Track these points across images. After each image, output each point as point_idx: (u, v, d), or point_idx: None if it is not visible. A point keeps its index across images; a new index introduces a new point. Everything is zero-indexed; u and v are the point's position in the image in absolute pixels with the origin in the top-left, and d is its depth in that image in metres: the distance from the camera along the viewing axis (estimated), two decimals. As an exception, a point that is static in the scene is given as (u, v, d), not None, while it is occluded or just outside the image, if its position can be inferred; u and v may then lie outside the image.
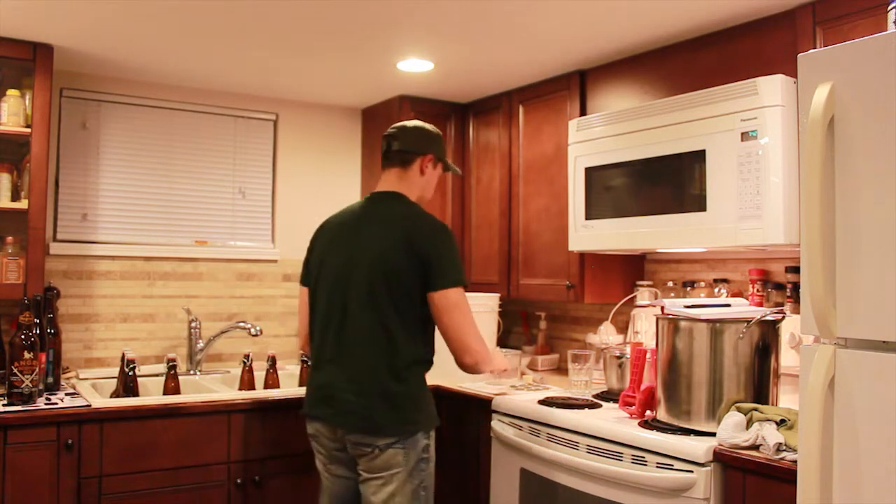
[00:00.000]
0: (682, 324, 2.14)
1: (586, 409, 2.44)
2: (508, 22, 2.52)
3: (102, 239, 3.25)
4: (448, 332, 2.20)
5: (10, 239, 2.76)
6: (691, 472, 1.96)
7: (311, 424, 2.31)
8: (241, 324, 3.26)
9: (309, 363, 2.57)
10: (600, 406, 2.50)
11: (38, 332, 2.55)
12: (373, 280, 2.20)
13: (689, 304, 2.20)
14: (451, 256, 2.22)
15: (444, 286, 2.17)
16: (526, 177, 3.25)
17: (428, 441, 2.22)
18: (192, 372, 3.22)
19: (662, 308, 2.22)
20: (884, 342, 1.48)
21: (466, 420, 2.89)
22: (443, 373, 2.72)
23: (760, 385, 2.09)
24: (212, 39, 2.75)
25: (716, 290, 2.75)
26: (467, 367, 2.23)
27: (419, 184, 2.38)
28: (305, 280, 2.44)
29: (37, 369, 2.46)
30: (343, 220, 2.38)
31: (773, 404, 2.10)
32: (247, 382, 3.02)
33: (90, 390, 2.74)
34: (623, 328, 3.06)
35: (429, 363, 2.28)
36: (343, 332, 2.23)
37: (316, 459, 2.36)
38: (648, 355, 2.33)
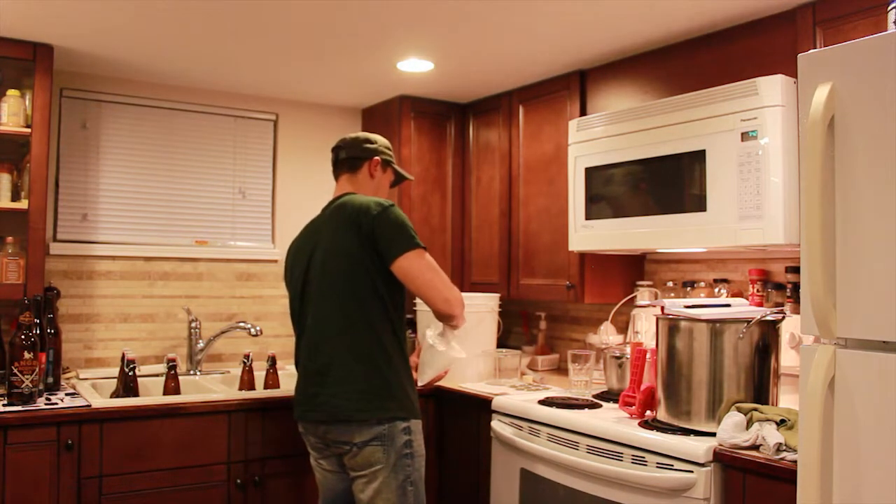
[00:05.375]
0: (682, 324, 2.14)
1: (586, 409, 2.44)
2: (508, 22, 2.52)
3: (102, 239, 3.25)
4: (420, 296, 2.25)
5: (10, 239, 2.76)
6: (691, 472, 1.96)
7: (299, 424, 2.39)
8: (241, 324, 3.26)
9: None
10: (600, 406, 2.50)
11: (38, 332, 2.54)
12: (330, 274, 2.25)
13: (689, 304, 2.20)
14: (396, 226, 2.22)
15: (398, 254, 2.20)
16: (526, 177, 3.25)
17: (409, 436, 2.22)
18: (192, 372, 3.22)
19: (662, 308, 2.22)
20: (884, 342, 1.48)
21: (466, 420, 2.89)
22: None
23: (760, 385, 2.09)
24: (212, 39, 2.75)
25: (716, 290, 2.75)
26: (445, 319, 2.31)
27: (370, 186, 2.44)
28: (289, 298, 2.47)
29: (37, 369, 2.46)
30: (302, 234, 2.46)
31: (773, 404, 2.10)
32: (247, 382, 3.02)
33: (90, 390, 2.74)
34: (623, 328, 3.06)
35: (400, 350, 2.27)
36: (311, 331, 2.30)
37: (310, 456, 2.42)
38: (648, 355, 2.33)
